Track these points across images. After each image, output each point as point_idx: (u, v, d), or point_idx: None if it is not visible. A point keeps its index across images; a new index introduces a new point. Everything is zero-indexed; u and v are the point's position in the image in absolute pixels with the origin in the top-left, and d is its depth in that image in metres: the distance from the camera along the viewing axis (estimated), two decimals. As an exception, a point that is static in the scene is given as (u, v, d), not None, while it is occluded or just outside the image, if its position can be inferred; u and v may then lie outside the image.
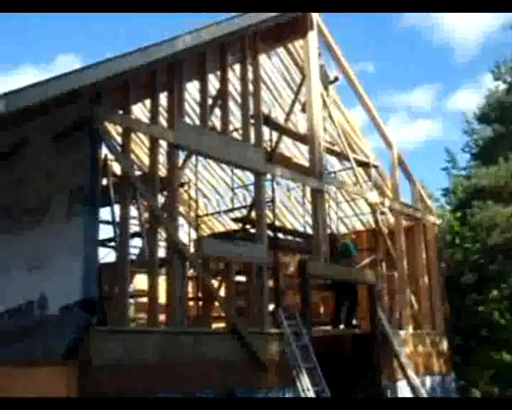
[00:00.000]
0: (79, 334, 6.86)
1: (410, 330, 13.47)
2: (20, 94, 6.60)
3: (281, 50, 13.16)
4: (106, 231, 8.85)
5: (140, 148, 13.68)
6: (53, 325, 7.16)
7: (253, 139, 10.29)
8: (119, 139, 9.88)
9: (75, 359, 6.78)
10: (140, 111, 11.93)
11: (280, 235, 12.06)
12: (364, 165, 13.98)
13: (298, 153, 14.36)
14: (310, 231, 12.72)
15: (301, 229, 14.61)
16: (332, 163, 14.44)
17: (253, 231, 10.73)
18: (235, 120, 11.97)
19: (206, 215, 14.92)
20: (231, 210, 12.86)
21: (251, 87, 10.72)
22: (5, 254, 8.10)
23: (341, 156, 13.63)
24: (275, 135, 11.72)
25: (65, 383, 6.72)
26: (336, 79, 13.42)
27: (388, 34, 52.31)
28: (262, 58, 11.82)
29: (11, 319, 7.70)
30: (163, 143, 9.16)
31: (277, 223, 11.98)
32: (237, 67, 11.13)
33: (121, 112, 8.42)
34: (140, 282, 9.78)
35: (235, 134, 11.13)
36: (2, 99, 6.46)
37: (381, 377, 11.47)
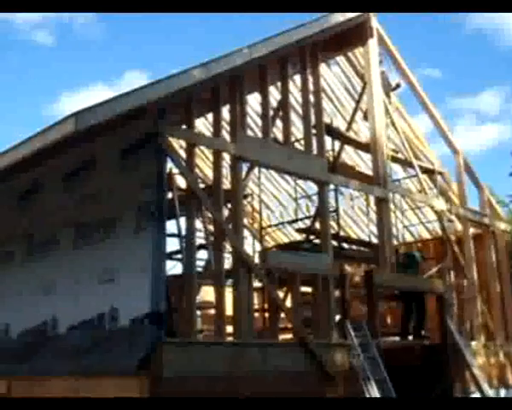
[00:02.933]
0: (151, 347, 6.95)
1: (482, 340, 13.03)
2: (89, 112, 6.79)
3: (341, 59, 13.09)
4: (172, 244, 8.99)
5: (203, 161, 13.85)
6: (124, 337, 7.30)
7: (315, 149, 10.25)
8: (182, 153, 10.03)
9: (146, 371, 6.87)
10: (202, 125, 12.09)
11: (344, 245, 11.95)
12: (429, 172, 13.69)
13: (361, 162, 14.21)
14: (375, 240, 12.54)
15: (366, 238, 14.42)
16: (396, 171, 14.21)
17: (317, 241, 10.66)
18: (297, 130, 11.95)
19: (270, 226, 14.93)
20: (295, 221, 12.82)
21: (312, 97, 10.68)
22: (76, 269, 8.34)
23: (405, 164, 13.40)
24: (337, 144, 11.67)
25: (137, 395, 6.81)
26: (398, 85, 13.23)
27: (454, 39, 51.20)
28: (322, 68, 11.76)
29: (84, 331, 7.91)
30: (226, 156, 9.24)
31: (342, 233, 11.87)
32: (298, 77, 11.14)
33: (185, 126, 8.55)
34: (206, 294, 9.87)
35: (297, 145, 11.12)
36: (71, 118, 6.68)
37: (453, 389, 11.13)
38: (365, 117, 12.55)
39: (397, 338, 11.57)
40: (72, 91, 54.79)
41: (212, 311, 9.55)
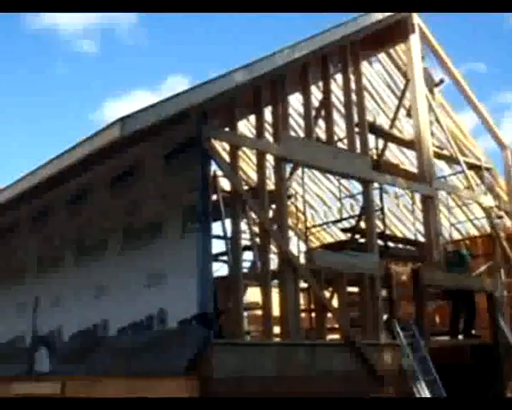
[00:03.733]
0: (199, 348, 7.00)
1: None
2: (133, 118, 6.88)
3: (382, 56, 12.98)
4: (218, 246, 9.05)
5: (246, 163, 13.90)
6: (173, 339, 7.38)
7: (358, 148, 10.17)
8: (225, 155, 10.09)
9: (196, 372, 6.93)
10: (244, 126, 12.14)
11: (390, 244, 11.82)
12: (476, 168, 13.44)
13: (405, 159, 14.05)
14: (421, 238, 12.37)
15: (412, 237, 14.23)
16: (441, 168, 13.99)
17: (362, 240, 10.58)
18: (340, 129, 11.89)
19: (314, 226, 14.88)
20: (339, 220, 12.75)
21: (354, 96, 10.61)
22: (125, 272, 8.46)
23: (451, 160, 13.19)
24: (380, 142, 11.56)
25: (187, 395, 6.86)
26: (441, 81, 13.04)
27: (499, 31, 49.85)
28: (363, 65, 11.68)
29: (133, 334, 8.03)
30: (269, 157, 9.26)
31: (387, 232, 11.75)
32: (339, 76, 11.07)
33: (227, 129, 8.60)
34: (252, 294, 9.90)
35: (339, 144, 11.06)
36: (117, 124, 6.78)
37: (506, 390, 10.87)
38: (408, 114, 12.41)
39: (446, 338, 11.36)
40: (115, 97, 55.58)
41: (259, 312, 9.57)
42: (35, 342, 9.92)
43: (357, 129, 10.34)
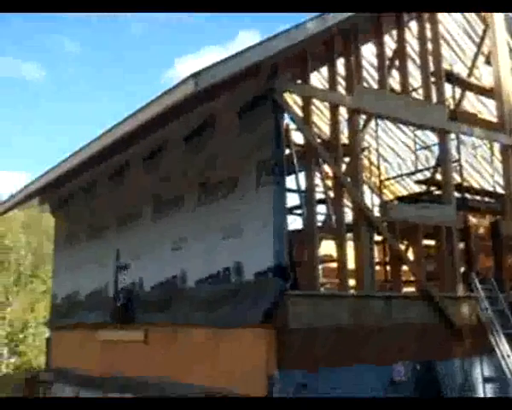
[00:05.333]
0: (275, 299, 7.13)
1: None
2: (207, 72, 6.90)
3: (460, 1, 12.42)
4: (292, 199, 9.10)
5: (318, 116, 13.76)
6: (249, 290, 7.53)
7: (434, 98, 9.88)
8: (297, 109, 10.02)
9: (272, 322, 7.08)
10: (316, 79, 11.98)
11: (468, 196, 11.52)
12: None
13: (483, 108, 13.54)
14: (500, 190, 11.98)
15: (490, 188, 13.79)
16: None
17: (438, 192, 10.36)
18: (414, 79, 11.55)
19: (388, 179, 14.66)
20: (414, 173, 12.51)
21: (429, 44, 10.27)
22: (202, 226, 8.66)
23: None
24: (458, 91, 11.19)
25: (264, 346, 7.04)
26: (524, 25, 12.39)
27: None
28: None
29: (211, 285, 8.25)
30: (342, 110, 9.14)
31: (464, 183, 11.46)
32: (414, 24, 10.72)
33: (299, 81, 8.53)
34: (326, 247, 9.93)
35: (414, 94, 10.77)
36: (191, 79, 6.84)
37: None
38: (488, 61, 11.91)
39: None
40: (188, 55, 55.97)
41: (333, 264, 9.62)
42: (118, 292, 10.35)
43: (432, 78, 10.03)
